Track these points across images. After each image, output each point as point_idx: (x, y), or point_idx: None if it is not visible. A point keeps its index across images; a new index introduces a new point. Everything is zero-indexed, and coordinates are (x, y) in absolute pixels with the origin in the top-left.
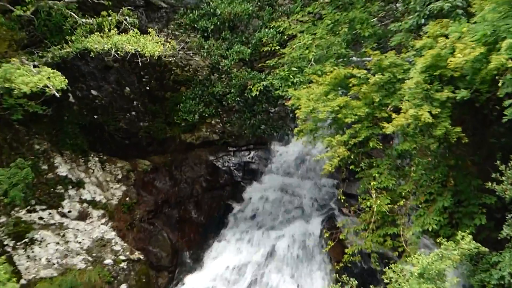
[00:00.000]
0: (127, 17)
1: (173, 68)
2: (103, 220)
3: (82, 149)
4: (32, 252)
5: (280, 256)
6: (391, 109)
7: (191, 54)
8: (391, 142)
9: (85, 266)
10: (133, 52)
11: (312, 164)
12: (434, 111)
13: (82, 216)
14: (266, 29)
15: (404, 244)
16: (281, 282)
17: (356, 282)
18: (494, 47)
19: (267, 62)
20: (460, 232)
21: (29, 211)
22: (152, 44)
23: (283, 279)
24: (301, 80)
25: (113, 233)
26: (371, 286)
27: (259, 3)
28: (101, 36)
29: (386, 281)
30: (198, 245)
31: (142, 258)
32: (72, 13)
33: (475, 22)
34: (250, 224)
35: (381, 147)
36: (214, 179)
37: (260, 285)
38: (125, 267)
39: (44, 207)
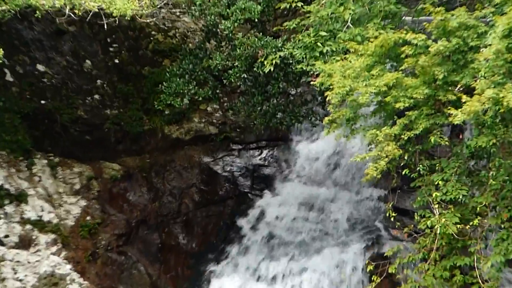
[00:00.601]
0: None
1: (153, 33)
2: (54, 249)
3: (24, 148)
4: None
5: None
6: (461, 89)
7: (178, 13)
8: (460, 137)
9: None
10: (96, 10)
11: (350, 168)
12: None
13: (24, 243)
14: None
15: (479, 281)
16: None
17: None
18: None
19: (285, 24)
20: None
21: None
22: None
23: None
24: (334, 49)
25: (68, 266)
26: None
27: None
28: None
29: None
30: (188, 282)
31: None
32: None
33: None
34: (262, 253)
35: (447, 143)
36: (211, 190)
37: None
38: None
39: None
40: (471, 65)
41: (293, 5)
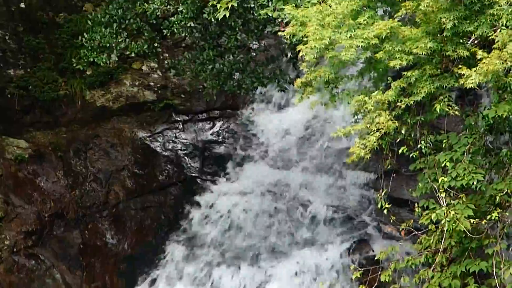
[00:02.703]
0: None
1: None
2: None
3: None
4: None
5: None
6: (476, 42)
7: None
8: (475, 105)
9: None
10: None
11: (330, 145)
12: None
13: None
14: None
15: None
16: None
17: None
18: None
19: None
20: None
21: None
22: None
23: None
24: None
25: None
26: None
27: None
28: None
29: None
30: None
31: None
32: None
33: None
34: (214, 257)
35: (456, 112)
36: (148, 174)
37: None
38: None
39: None
40: (489, 11)
41: None
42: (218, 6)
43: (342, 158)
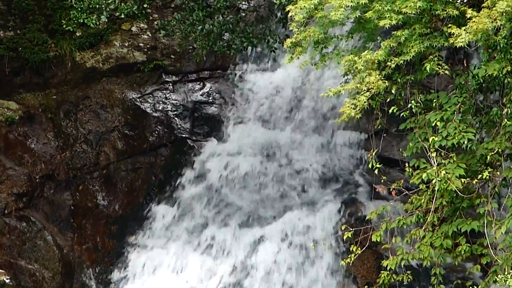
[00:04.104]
0: None
1: None
2: None
3: None
4: None
5: (257, 277)
6: (465, 1)
7: None
8: (465, 64)
9: None
10: None
11: (320, 105)
12: None
13: None
14: None
15: (490, 251)
16: None
17: None
18: None
19: None
20: None
21: None
22: None
23: None
24: None
25: None
26: None
27: None
28: None
29: None
30: (109, 256)
31: (7, 281)
32: None
33: None
34: (205, 218)
35: (447, 72)
36: (139, 135)
37: None
38: None
39: None
40: None
41: None
42: None
43: (332, 118)
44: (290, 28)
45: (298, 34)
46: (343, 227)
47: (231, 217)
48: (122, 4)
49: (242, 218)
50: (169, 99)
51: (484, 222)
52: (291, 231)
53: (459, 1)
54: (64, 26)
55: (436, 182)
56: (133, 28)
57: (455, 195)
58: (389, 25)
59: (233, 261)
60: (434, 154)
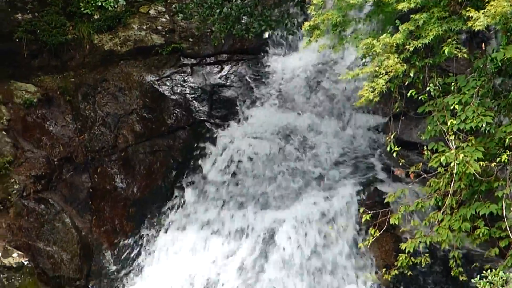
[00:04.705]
0: None
1: None
2: None
3: None
4: None
5: (277, 260)
6: None
7: None
8: (483, 47)
9: None
10: None
11: (338, 89)
12: None
13: None
14: None
15: (509, 233)
16: None
17: None
18: None
19: None
20: None
21: None
22: None
23: None
24: None
25: None
26: None
27: None
28: None
29: None
30: (128, 238)
31: (25, 263)
32: None
33: None
34: (224, 199)
35: (465, 55)
36: (157, 118)
37: None
38: None
39: None
40: None
41: None
42: None
43: (350, 102)
44: (308, 11)
45: (316, 17)
46: (361, 210)
47: (249, 200)
48: None
49: (260, 200)
50: (187, 82)
51: (502, 205)
52: (309, 214)
53: None
54: (82, 9)
55: (454, 165)
56: (151, 11)
57: (473, 178)
58: (408, 8)
59: (252, 243)
60: (452, 137)
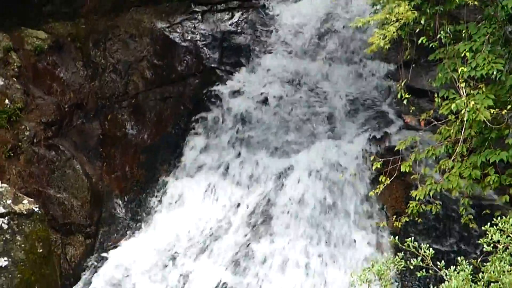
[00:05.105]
0: None
1: None
2: None
3: None
4: None
5: (286, 206)
6: None
7: None
8: None
9: None
10: None
11: (348, 36)
12: None
13: None
14: None
15: None
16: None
17: (432, 250)
18: None
19: None
20: None
21: None
22: None
23: (289, 251)
24: None
25: None
26: (459, 258)
27: None
28: None
29: (486, 247)
30: (138, 185)
31: (36, 210)
32: None
33: None
34: (235, 147)
35: (476, 3)
36: (167, 65)
37: (246, 260)
38: (4, 226)
39: None
40: None
41: None
42: None
43: (361, 49)
44: None
45: None
46: (372, 157)
47: (259, 146)
48: None
49: (270, 147)
50: (198, 29)
51: None
52: (319, 161)
53: None
54: None
55: (465, 112)
56: None
57: (483, 125)
58: None
59: (262, 190)
60: (463, 85)
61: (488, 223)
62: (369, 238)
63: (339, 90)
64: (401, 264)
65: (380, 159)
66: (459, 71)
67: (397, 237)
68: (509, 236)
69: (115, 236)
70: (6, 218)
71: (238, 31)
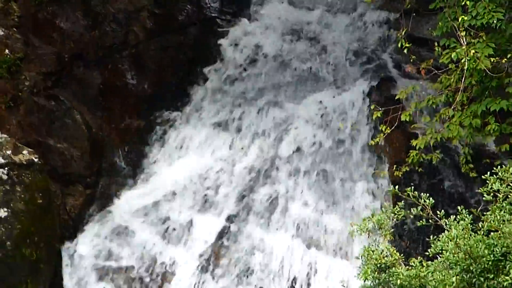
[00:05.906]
0: None
1: None
2: None
3: None
4: None
5: (285, 157)
6: None
7: None
8: None
9: None
10: None
11: None
12: None
13: None
14: None
15: None
16: (288, 207)
17: (432, 200)
18: None
19: None
20: None
21: None
22: None
23: (289, 201)
24: None
25: None
26: (459, 208)
27: None
28: None
29: (486, 197)
30: (139, 136)
31: (36, 160)
32: None
33: None
34: (234, 97)
35: None
36: (167, 14)
37: (246, 211)
38: (4, 177)
39: None
40: None
41: None
42: None
43: None
44: None
45: None
46: (372, 107)
47: (260, 97)
48: None
49: (271, 97)
50: None
51: None
52: (320, 110)
53: None
54: None
55: (465, 61)
56: None
57: (484, 74)
58: None
59: (263, 140)
60: (463, 34)
61: (488, 172)
62: (369, 188)
63: (339, 38)
64: (401, 214)
65: (380, 108)
66: (459, 20)
67: (397, 187)
68: (509, 185)
69: (115, 186)
70: (6, 168)
71: None
